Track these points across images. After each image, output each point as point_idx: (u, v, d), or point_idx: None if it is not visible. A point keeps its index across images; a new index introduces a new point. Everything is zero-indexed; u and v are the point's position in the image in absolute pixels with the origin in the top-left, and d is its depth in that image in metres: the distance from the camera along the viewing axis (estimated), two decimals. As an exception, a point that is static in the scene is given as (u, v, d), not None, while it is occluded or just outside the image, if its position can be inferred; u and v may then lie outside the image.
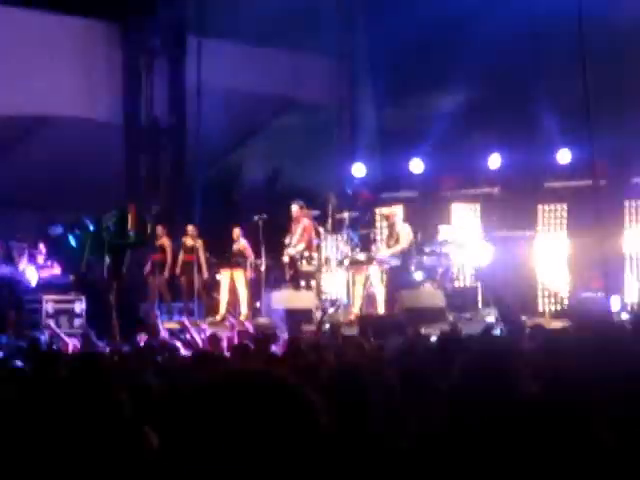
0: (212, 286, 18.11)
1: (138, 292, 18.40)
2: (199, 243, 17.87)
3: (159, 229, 18.15)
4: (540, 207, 18.17)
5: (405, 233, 16.95)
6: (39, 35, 19.10)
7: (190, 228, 18.04)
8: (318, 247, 17.34)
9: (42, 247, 18.07)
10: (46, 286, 17.45)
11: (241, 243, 17.67)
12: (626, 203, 17.42)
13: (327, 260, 17.61)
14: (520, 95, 18.28)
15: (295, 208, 17.28)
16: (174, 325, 16.04)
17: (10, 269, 17.38)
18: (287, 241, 17.32)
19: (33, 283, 17.52)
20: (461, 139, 18.45)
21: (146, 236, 16.18)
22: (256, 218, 17.33)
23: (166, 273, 18.04)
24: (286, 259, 17.27)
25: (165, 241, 18.13)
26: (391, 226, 17.24)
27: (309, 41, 19.63)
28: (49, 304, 16.82)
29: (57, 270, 17.86)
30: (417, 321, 15.02)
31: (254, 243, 17.56)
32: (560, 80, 17.15)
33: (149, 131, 19.92)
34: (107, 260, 17.04)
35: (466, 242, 17.45)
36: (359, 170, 19.60)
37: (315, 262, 17.33)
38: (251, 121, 19.95)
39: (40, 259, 18.04)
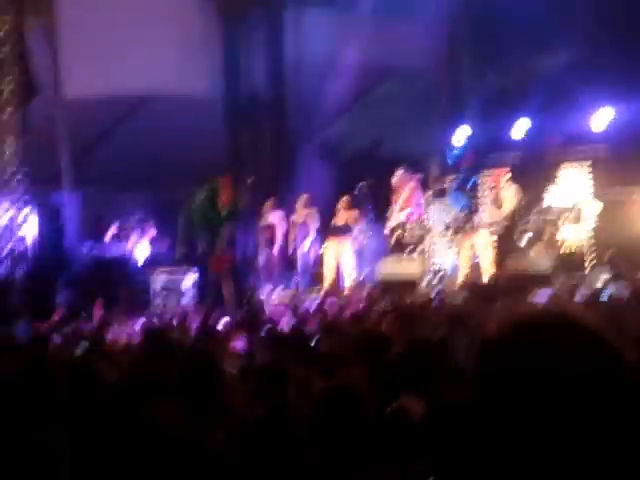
0: (318, 257, 18.14)
1: (248, 265, 18.60)
2: (312, 212, 17.89)
3: (267, 204, 18.21)
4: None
5: (511, 196, 16.70)
6: (137, 15, 19.30)
7: (302, 199, 18.04)
8: (422, 214, 17.24)
9: (152, 224, 18.38)
10: (156, 262, 17.74)
11: (349, 213, 17.64)
12: None
13: (432, 227, 17.47)
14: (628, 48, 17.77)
15: (399, 173, 17.21)
16: (284, 295, 16.20)
17: (120, 248, 17.74)
18: (392, 211, 17.26)
19: (143, 260, 17.84)
20: (566, 97, 17.99)
21: (239, 209, 16.12)
22: (360, 186, 17.28)
23: (276, 246, 18.15)
24: (389, 227, 17.21)
25: (274, 215, 18.22)
26: (497, 190, 17.02)
27: (406, 7, 19.42)
28: (158, 280, 17.09)
29: (167, 244, 18.14)
30: (524, 287, 14.84)
31: (359, 212, 17.54)
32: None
33: (249, 104, 20.00)
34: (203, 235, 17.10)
35: (574, 204, 17.10)
36: (461, 135, 19.35)
37: (420, 229, 17.23)
38: (351, 90, 19.82)
39: (151, 234, 18.35)
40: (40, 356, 6.44)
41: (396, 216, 17.18)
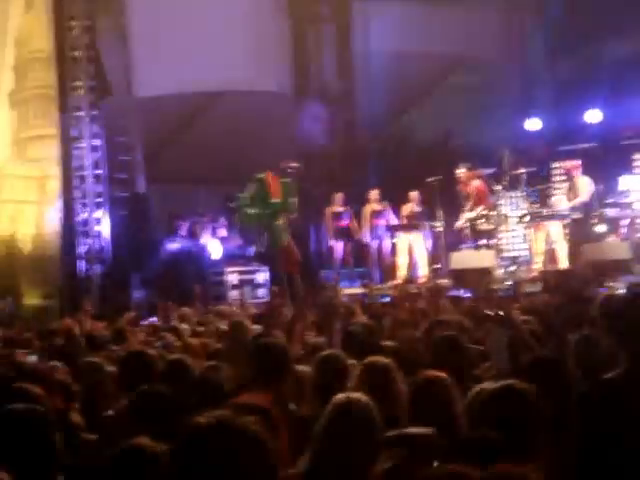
0: (391, 250, 18.12)
1: (320, 257, 18.65)
2: (385, 206, 17.90)
3: (337, 196, 18.20)
4: None
5: (585, 185, 16.56)
6: (208, 11, 19.44)
7: (374, 193, 18.06)
8: (495, 205, 17.15)
9: (223, 221, 18.49)
10: (229, 258, 17.84)
11: (419, 206, 17.67)
12: None
13: (506, 217, 17.37)
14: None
15: (462, 171, 17.16)
16: (356, 290, 16.17)
17: (193, 244, 17.87)
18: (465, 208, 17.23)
19: (216, 256, 17.95)
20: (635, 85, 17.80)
21: (292, 201, 15.90)
22: (431, 179, 17.24)
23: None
24: (460, 223, 17.17)
25: (342, 207, 18.22)
26: (570, 179, 16.88)
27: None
28: (232, 275, 17.18)
29: (238, 242, 18.22)
30: (601, 274, 14.69)
31: (430, 205, 17.51)
32: None
33: (320, 98, 20.08)
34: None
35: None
36: (534, 124, 19.21)
37: (493, 220, 17.15)
38: (421, 82, 19.79)
39: (222, 232, 18.47)
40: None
41: (467, 215, 17.15)
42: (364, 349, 6.28)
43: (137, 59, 19.19)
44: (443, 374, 4.87)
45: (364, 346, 6.70)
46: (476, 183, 17.18)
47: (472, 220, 17.06)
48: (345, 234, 18.07)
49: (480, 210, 17.00)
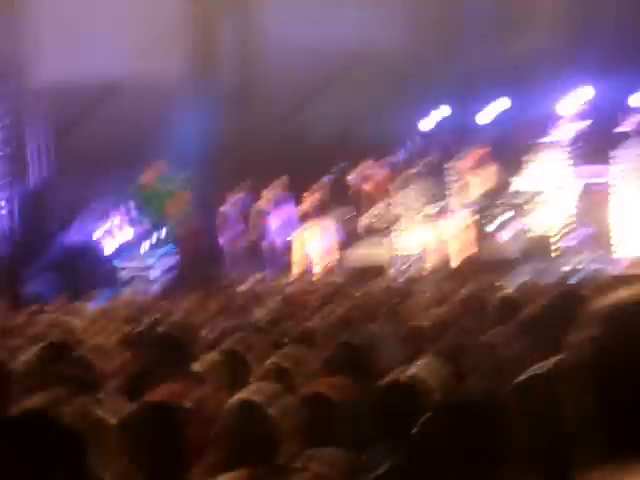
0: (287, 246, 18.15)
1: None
2: (282, 199, 17.96)
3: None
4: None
5: (481, 182, 16.78)
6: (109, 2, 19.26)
7: (276, 184, 18.08)
8: (388, 203, 17.27)
9: (123, 211, 18.33)
10: (125, 252, 17.72)
11: (318, 201, 17.73)
12: None
13: (402, 213, 17.50)
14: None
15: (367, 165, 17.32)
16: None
17: (88, 237, 17.70)
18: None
19: (112, 249, 17.82)
20: (537, 81, 18.01)
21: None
22: (327, 179, 17.33)
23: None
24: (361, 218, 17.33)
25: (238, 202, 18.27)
26: (467, 176, 17.08)
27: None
28: (125, 271, 17.08)
29: (135, 234, 18.08)
30: (491, 271, 14.93)
31: (327, 202, 17.58)
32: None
33: (220, 91, 19.97)
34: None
35: (543, 188, 17.13)
36: (432, 120, 19.35)
37: (389, 216, 17.28)
38: (323, 77, 19.76)
39: (121, 223, 18.31)
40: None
41: (370, 209, 17.32)
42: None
43: (31, 47, 18.90)
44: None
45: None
46: (378, 176, 17.33)
47: (369, 218, 17.20)
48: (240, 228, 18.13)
49: (376, 208, 17.15)
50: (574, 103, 18.02)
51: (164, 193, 16.01)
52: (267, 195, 18.02)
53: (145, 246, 17.60)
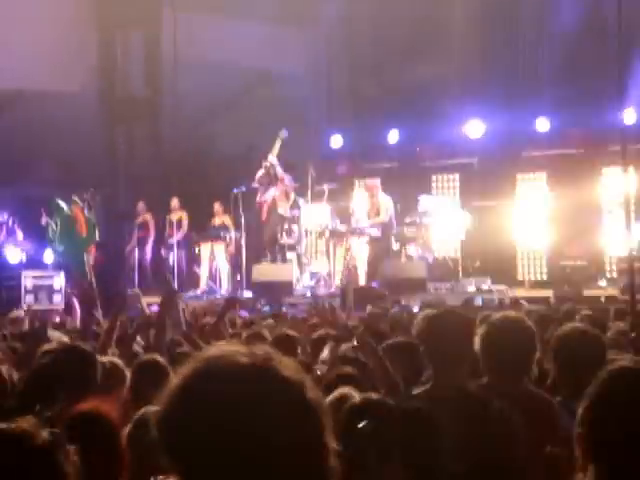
0: (193, 260, 18.05)
1: (120, 267, 18.36)
2: (184, 216, 17.93)
3: (140, 205, 18.21)
4: (519, 176, 18.22)
5: (385, 204, 16.95)
6: (13, 9, 18.89)
7: (175, 202, 18.05)
8: (297, 218, 17.33)
9: (17, 225, 17.91)
10: (25, 262, 17.31)
11: (222, 217, 17.70)
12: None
13: (307, 232, 17.58)
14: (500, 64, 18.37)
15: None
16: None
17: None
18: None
19: (14, 260, 17.38)
20: (440, 108, 18.37)
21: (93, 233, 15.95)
22: (235, 191, 17.28)
23: (149, 248, 18.12)
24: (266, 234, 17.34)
25: (147, 217, 18.17)
26: (372, 197, 17.24)
27: (284, 12, 19.56)
28: (28, 280, 16.65)
29: (32, 248, 17.67)
30: (398, 291, 15.09)
31: (233, 216, 17.55)
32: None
33: (125, 103, 19.80)
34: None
35: (446, 212, 17.43)
36: (337, 141, 19.56)
37: (295, 234, 17.33)
38: (227, 93, 19.77)
39: (19, 235, 17.89)
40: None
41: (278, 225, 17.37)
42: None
43: None
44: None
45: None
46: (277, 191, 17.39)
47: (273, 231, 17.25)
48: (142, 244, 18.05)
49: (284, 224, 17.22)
50: (473, 132, 18.47)
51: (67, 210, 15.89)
52: (173, 206, 17.99)
53: (49, 255, 17.22)
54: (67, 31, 19.44)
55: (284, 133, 17.44)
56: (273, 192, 17.23)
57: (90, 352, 5.37)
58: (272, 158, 17.28)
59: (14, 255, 17.34)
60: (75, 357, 5.29)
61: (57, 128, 18.53)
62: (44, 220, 15.99)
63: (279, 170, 17.24)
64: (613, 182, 16.50)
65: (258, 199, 17.37)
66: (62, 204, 15.74)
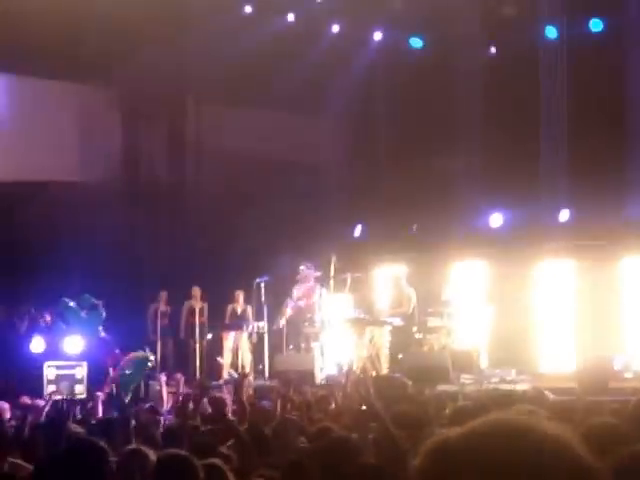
0: (215, 350, 18.04)
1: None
2: (204, 306, 18.02)
3: (162, 293, 18.32)
4: (543, 264, 18.21)
5: (408, 296, 16.98)
6: (37, 101, 19.21)
7: (196, 290, 18.11)
8: (320, 308, 17.37)
9: (47, 315, 17.99)
10: (49, 352, 17.35)
11: (244, 306, 17.76)
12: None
13: (329, 321, 17.58)
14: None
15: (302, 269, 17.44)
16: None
17: (13, 335, 17.31)
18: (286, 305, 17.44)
19: (38, 349, 17.42)
20: (461, 199, 18.50)
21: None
22: (258, 281, 17.37)
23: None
24: (280, 323, 17.36)
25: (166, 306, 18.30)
26: (395, 287, 17.29)
27: (310, 104, 19.86)
28: (50, 369, 16.67)
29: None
30: (421, 381, 14.99)
31: (256, 306, 17.61)
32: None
33: (149, 192, 20.00)
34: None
35: (469, 302, 17.42)
36: (360, 230, 19.67)
37: (317, 323, 17.35)
38: (251, 184, 19.96)
39: (44, 324, 17.96)
40: None
41: (292, 309, 17.35)
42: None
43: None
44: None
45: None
46: (309, 284, 17.47)
47: (293, 321, 17.29)
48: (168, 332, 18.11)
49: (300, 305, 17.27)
50: (494, 222, 18.57)
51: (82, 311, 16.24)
52: (195, 295, 18.06)
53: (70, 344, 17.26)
54: (91, 120, 19.74)
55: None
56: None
57: (103, 448, 5.28)
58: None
59: (37, 345, 17.38)
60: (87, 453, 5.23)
61: (81, 218, 18.72)
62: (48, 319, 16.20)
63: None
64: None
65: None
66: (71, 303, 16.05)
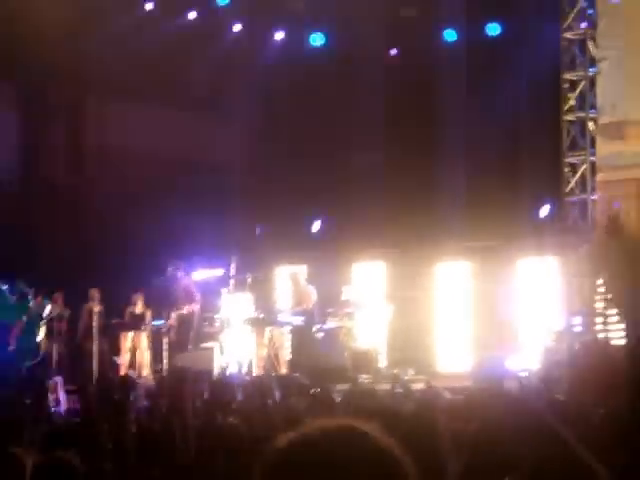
0: (113, 350, 17.87)
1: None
2: (101, 308, 17.82)
3: (57, 296, 17.96)
4: (441, 265, 18.39)
5: (308, 293, 17.04)
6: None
7: (94, 292, 17.87)
8: (219, 308, 17.35)
9: None
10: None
11: (143, 309, 17.64)
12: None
13: (229, 320, 17.55)
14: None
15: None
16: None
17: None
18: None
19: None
20: (363, 198, 18.65)
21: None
22: (157, 280, 17.30)
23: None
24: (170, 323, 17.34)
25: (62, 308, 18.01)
26: (295, 285, 17.35)
27: (212, 104, 19.82)
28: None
29: None
30: (319, 381, 15.05)
31: (155, 305, 17.52)
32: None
33: (46, 192, 19.71)
34: None
35: (368, 302, 17.54)
36: (261, 229, 19.64)
37: (217, 323, 17.32)
38: (153, 184, 19.83)
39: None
40: None
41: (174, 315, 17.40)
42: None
43: None
44: None
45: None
46: (186, 283, 17.47)
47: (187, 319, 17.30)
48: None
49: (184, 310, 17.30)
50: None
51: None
52: (93, 296, 17.86)
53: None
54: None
55: None
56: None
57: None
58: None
59: None
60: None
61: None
62: None
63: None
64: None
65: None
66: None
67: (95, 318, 17.58)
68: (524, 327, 17.11)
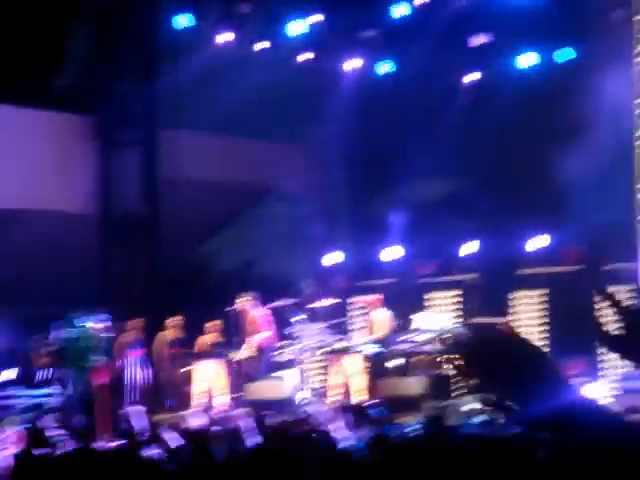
0: (187, 379, 17.88)
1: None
2: (175, 336, 17.87)
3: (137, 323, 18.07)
4: (516, 294, 18.15)
5: (383, 321, 16.94)
6: (11, 130, 19.13)
7: (170, 322, 17.93)
8: (292, 337, 17.25)
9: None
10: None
11: (216, 336, 17.64)
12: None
13: (303, 350, 17.46)
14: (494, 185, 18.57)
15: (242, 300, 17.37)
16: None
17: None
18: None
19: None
20: (437, 227, 18.48)
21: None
22: (230, 310, 17.32)
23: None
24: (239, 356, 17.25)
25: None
26: (370, 314, 17.27)
27: (289, 131, 19.88)
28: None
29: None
30: (396, 410, 14.89)
31: (228, 335, 17.54)
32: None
33: (121, 224, 19.87)
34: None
35: (444, 330, 17.31)
36: (334, 259, 19.57)
37: (290, 352, 17.25)
38: (226, 211, 19.93)
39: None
40: None
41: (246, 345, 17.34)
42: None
43: None
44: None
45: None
46: (256, 313, 17.40)
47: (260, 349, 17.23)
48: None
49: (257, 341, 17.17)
50: (471, 251, 18.55)
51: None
52: (172, 325, 17.90)
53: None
54: (64, 149, 19.63)
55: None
56: None
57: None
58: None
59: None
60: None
61: (53, 249, 18.57)
62: None
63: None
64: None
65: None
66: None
67: (169, 347, 17.64)
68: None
